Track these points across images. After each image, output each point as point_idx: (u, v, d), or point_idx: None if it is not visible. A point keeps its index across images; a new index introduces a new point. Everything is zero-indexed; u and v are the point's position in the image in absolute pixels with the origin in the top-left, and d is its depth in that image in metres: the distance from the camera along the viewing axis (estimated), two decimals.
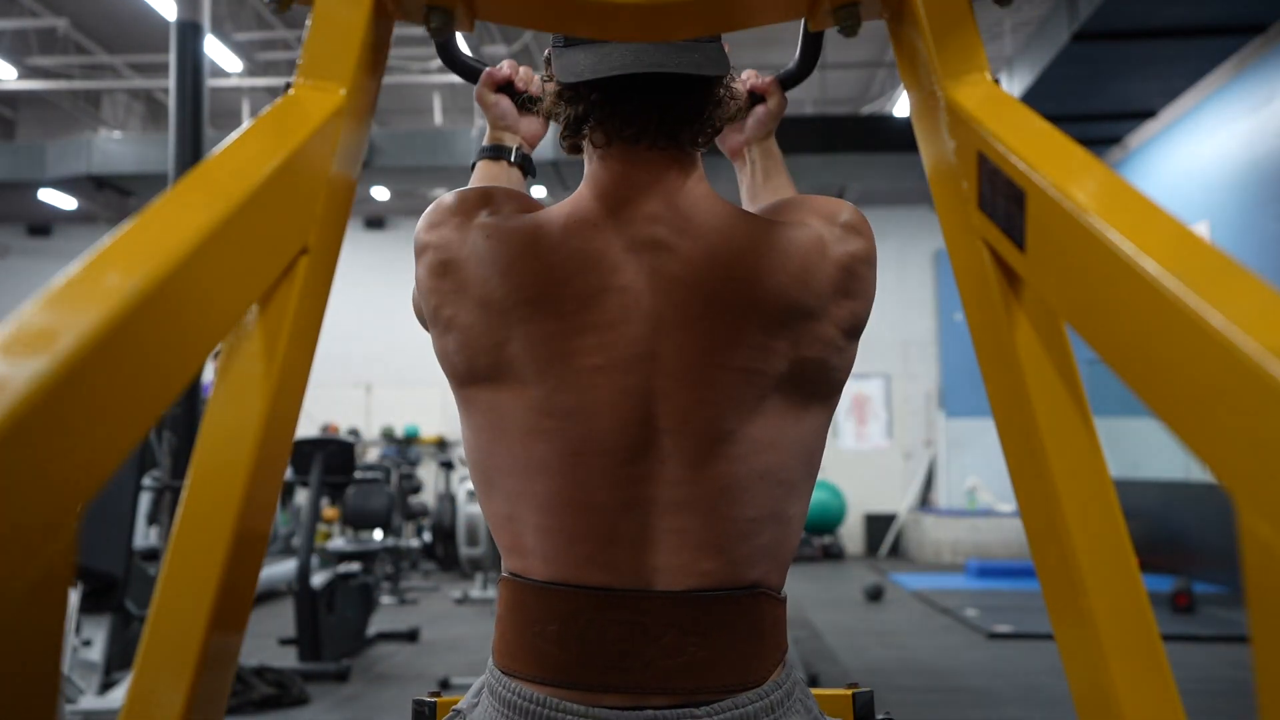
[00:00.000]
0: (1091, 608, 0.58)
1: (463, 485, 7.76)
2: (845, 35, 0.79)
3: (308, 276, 0.62)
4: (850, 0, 0.76)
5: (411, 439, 11.25)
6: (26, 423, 0.35)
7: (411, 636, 5.72)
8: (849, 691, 1.08)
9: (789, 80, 1.11)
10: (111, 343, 0.40)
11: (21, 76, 9.90)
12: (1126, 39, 6.46)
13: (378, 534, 7.26)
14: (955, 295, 3.29)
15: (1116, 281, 0.48)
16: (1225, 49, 6.70)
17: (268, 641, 5.21)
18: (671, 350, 0.85)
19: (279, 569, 7.16)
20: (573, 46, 0.88)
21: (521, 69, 1.13)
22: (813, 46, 1.06)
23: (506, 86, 1.12)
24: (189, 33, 5.34)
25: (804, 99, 10.07)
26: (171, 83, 5.35)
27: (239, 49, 9.49)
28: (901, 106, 8.84)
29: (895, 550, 10.73)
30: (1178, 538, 7.50)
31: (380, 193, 10.81)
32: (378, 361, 11.47)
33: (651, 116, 0.88)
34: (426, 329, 0.94)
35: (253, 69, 10.12)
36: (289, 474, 5.53)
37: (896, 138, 8.22)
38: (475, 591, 7.35)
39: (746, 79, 1.14)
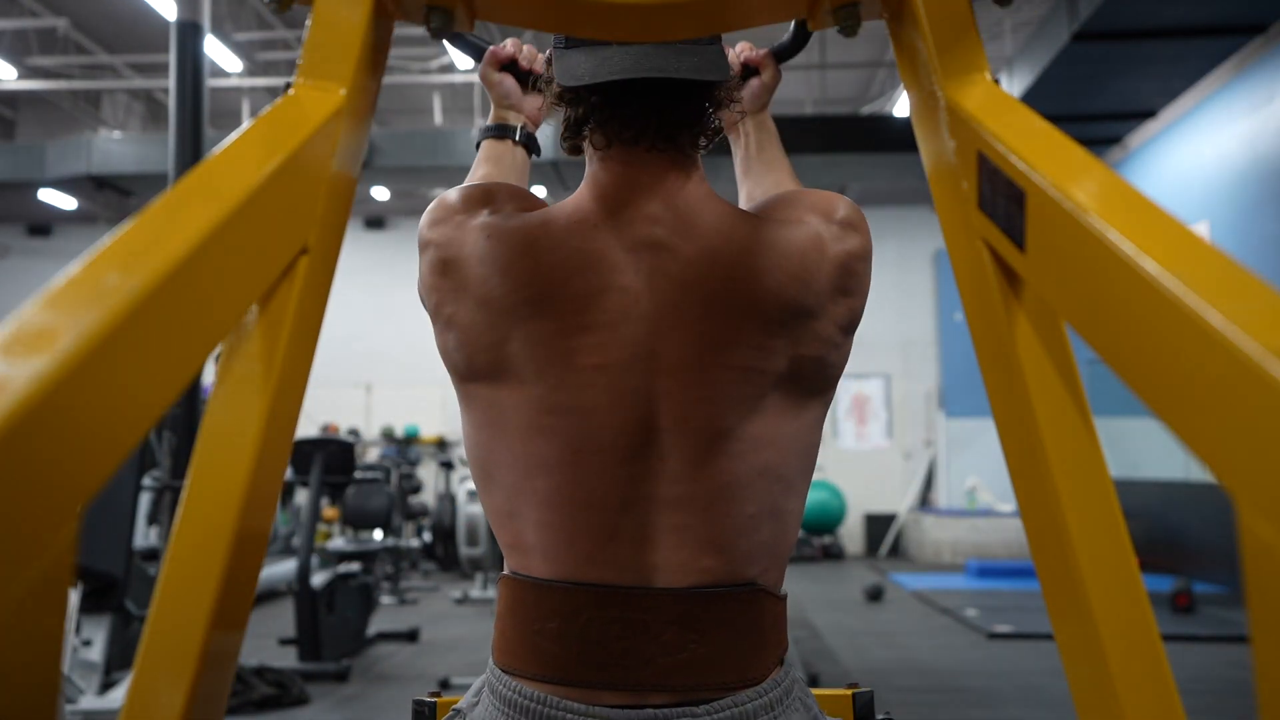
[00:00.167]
0: (1091, 608, 0.58)
1: (463, 485, 7.76)
2: (845, 35, 0.79)
3: (308, 276, 0.62)
4: (850, 0, 0.76)
5: (411, 439, 11.26)
6: (26, 423, 0.35)
7: (411, 636, 5.72)
8: (849, 691, 1.08)
9: (783, 53, 1.11)
10: (111, 343, 0.40)
11: (21, 76, 9.90)
12: (1126, 39, 6.46)
13: (378, 534, 7.26)
14: (955, 295, 3.29)
15: (1116, 281, 0.48)
16: (1225, 49, 6.70)
17: (268, 641, 5.21)
18: (671, 350, 0.85)
19: (279, 569, 7.16)
20: (574, 49, 0.89)
21: (525, 47, 1.13)
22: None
23: (510, 65, 1.12)
24: (189, 33, 5.34)
25: (804, 99, 10.07)
26: (171, 83, 5.35)
27: (239, 49, 9.49)
28: (901, 106, 8.84)
29: (895, 550, 10.73)
30: (1178, 538, 7.50)
31: (380, 193, 10.82)
32: (378, 361, 11.47)
33: (651, 119, 0.89)
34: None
35: (253, 69, 10.12)
36: (289, 474, 5.53)
37: (896, 138, 8.22)
38: (475, 591, 7.35)
39: (740, 51, 1.13)
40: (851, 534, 10.97)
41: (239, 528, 0.57)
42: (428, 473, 10.84)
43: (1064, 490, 0.60)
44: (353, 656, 5.17)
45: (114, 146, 9.71)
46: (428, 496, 10.32)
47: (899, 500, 10.94)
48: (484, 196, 0.91)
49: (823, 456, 11.00)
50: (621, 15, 0.74)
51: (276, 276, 0.59)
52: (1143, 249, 0.46)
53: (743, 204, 1.14)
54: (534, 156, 1.14)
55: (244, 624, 0.60)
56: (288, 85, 0.67)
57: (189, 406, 5.02)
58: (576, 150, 0.95)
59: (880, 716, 1.09)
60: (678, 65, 0.85)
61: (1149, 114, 7.98)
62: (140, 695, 0.54)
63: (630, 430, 0.85)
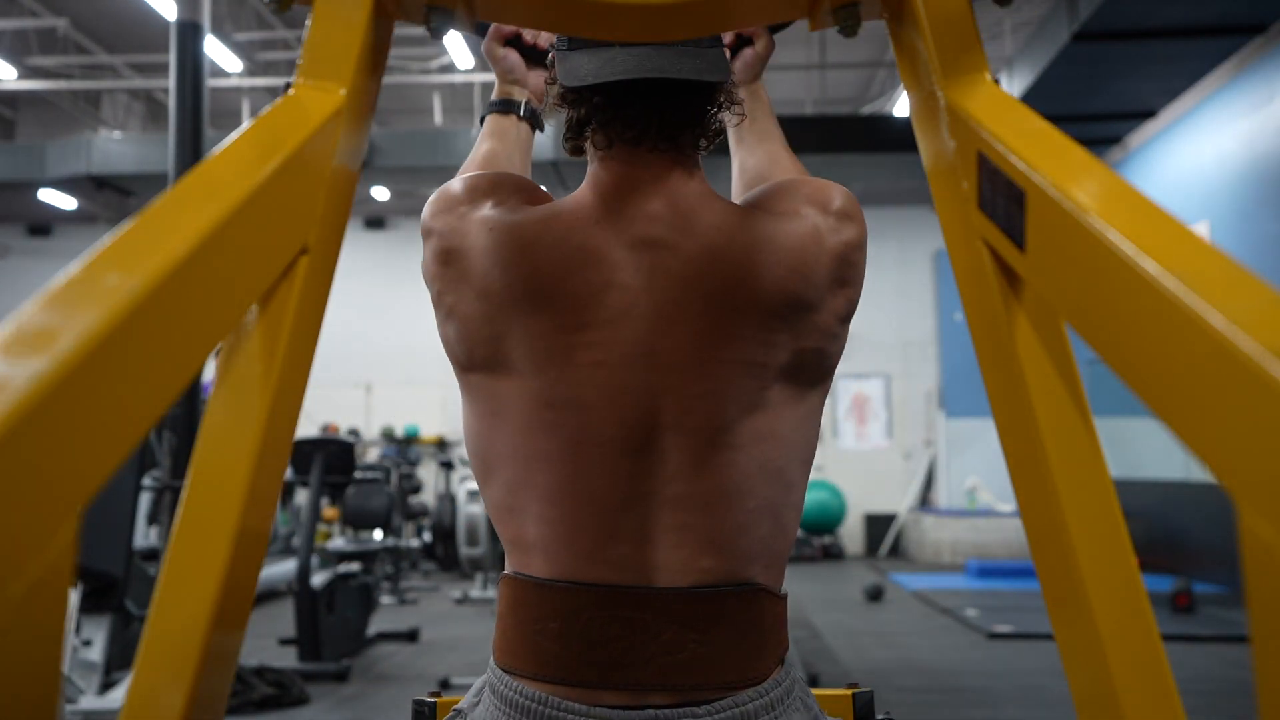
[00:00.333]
0: (1091, 608, 0.58)
1: (463, 485, 7.76)
2: (845, 35, 0.79)
3: (308, 276, 0.62)
4: (850, 0, 0.76)
5: (411, 439, 11.25)
6: (26, 423, 0.35)
7: (411, 636, 5.72)
8: (849, 691, 1.08)
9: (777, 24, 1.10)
10: (111, 343, 0.40)
11: (21, 76, 9.90)
12: (1126, 39, 6.46)
13: (378, 534, 7.25)
14: (955, 295, 3.29)
15: (1116, 281, 0.48)
16: (1225, 49, 6.70)
17: (268, 641, 5.21)
18: (672, 347, 0.85)
19: (279, 569, 7.16)
20: (576, 50, 0.89)
21: None
22: None
23: (515, 40, 1.12)
24: (189, 33, 5.34)
25: (804, 99, 10.07)
26: (171, 83, 5.35)
27: (239, 49, 9.49)
28: (901, 106, 8.84)
29: (895, 550, 10.73)
30: (1178, 538, 7.50)
31: (380, 193, 10.82)
32: (378, 361, 11.47)
33: (653, 120, 0.89)
34: None
35: (253, 69, 10.12)
36: (289, 474, 5.53)
37: (896, 138, 8.22)
38: (475, 591, 7.35)
39: None
40: (851, 534, 10.97)
41: (239, 527, 0.57)
42: (428, 473, 10.83)
43: (1064, 490, 0.60)
44: (353, 656, 5.17)
45: (114, 146, 9.71)
46: (428, 496, 10.32)
47: (899, 500, 10.94)
48: (488, 188, 0.91)
49: (823, 456, 11.05)
50: (622, 15, 0.74)
51: (276, 276, 0.59)
52: (1143, 249, 0.46)
53: (735, 174, 1.15)
54: (538, 131, 1.14)
55: (244, 624, 0.60)
56: (288, 85, 0.67)
57: (189, 406, 5.02)
58: (579, 151, 0.95)
59: (880, 716, 1.09)
60: (679, 67, 0.85)
61: (1149, 114, 7.98)
62: (140, 695, 0.54)
63: (630, 427, 0.85)
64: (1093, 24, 6.21)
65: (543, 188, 0.95)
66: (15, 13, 9.12)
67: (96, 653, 4.09)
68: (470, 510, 7.45)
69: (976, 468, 10.36)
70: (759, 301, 0.86)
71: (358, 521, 7.12)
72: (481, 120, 1.15)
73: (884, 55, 9.52)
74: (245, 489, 0.57)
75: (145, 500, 6.20)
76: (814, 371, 0.90)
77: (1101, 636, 0.57)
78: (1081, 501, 0.60)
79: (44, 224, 11.95)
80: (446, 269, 0.89)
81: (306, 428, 9.61)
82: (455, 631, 6.05)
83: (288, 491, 9.13)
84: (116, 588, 4.11)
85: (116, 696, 3.93)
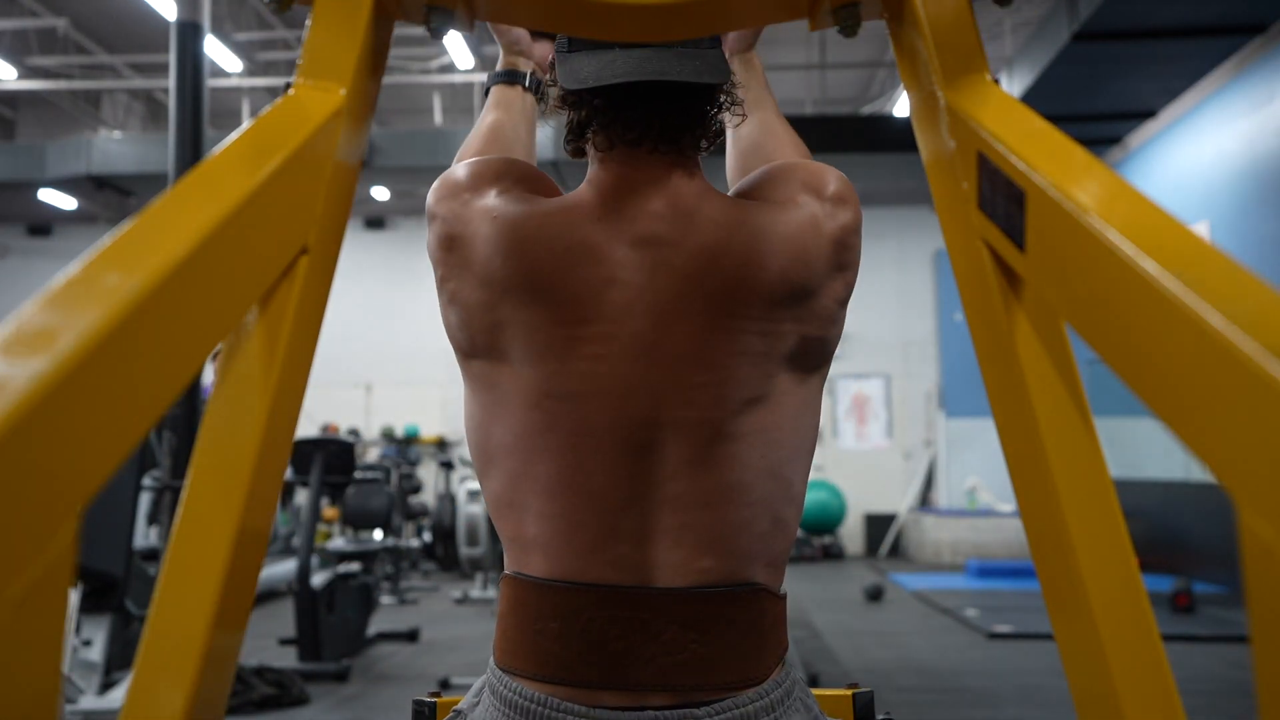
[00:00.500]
0: (1091, 608, 0.58)
1: (463, 485, 7.76)
2: (845, 35, 0.79)
3: (308, 276, 0.62)
4: (850, 0, 0.76)
5: (411, 439, 11.25)
6: (26, 423, 0.35)
7: (411, 636, 5.72)
8: (849, 692, 1.08)
9: None
10: (111, 343, 0.40)
11: (21, 76, 9.90)
12: (1126, 39, 6.46)
13: (378, 534, 7.25)
14: (955, 295, 3.29)
15: (1116, 281, 0.48)
16: (1225, 49, 6.70)
17: (268, 641, 5.21)
18: (673, 342, 0.86)
19: (279, 569, 7.16)
20: (577, 52, 0.89)
21: None
22: None
23: None
24: (189, 33, 5.34)
25: (804, 99, 10.07)
26: (171, 83, 5.35)
27: (239, 49, 9.49)
28: (901, 106, 8.84)
29: (895, 550, 10.72)
30: (1178, 538, 7.50)
31: (380, 193, 10.81)
32: (378, 361, 11.47)
33: (654, 122, 0.90)
34: None
35: (253, 69, 10.12)
36: (289, 474, 5.53)
37: (896, 138, 8.22)
38: (475, 591, 7.34)
39: None
40: (851, 534, 10.97)
41: (239, 527, 0.57)
42: (428, 473, 10.83)
43: (1064, 490, 0.60)
44: (353, 656, 5.17)
45: (114, 146, 9.71)
46: (428, 496, 10.32)
47: (899, 500, 10.94)
48: (494, 175, 0.92)
49: (822, 456, 11.04)
50: (621, 16, 0.74)
51: (276, 276, 0.59)
52: (1143, 249, 0.46)
53: (729, 141, 1.14)
54: (542, 104, 1.14)
55: (244, 624, 0.60)
56: (288, 85, 0.67)
57: (189, 406, 5.02)
58: (579, 153, 0.95)
59: (880, 717, 1.09)
60: (680, 69, 0.86)
61: (1149, 114, 7.98)
62: (140, 695, 0.54)
63: (630, 422, 0.85)
64: (1093, 24, 6.21)
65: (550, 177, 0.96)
66: (15, 13, 9.12)
67: (96, 653, 4.09)
68: (470, 510, 7.45)
69: (976, 468, 10.36)
70: (762, 293, 0.86)
71: (358, 521, 7.12)
72: (486, 92, 1.14)
73: (884, 55, 9.52)
74: (245, 489, 0.57)
75: (145, 500, 6.20)
76: (815, 357, 0.91)
77: (1101, 636, 0.57)
78: (1081, 501, 0.60)
79: (44, 224, 11.95)
80: (449, 254, 0.90)
81: (306, 428, 9.61)
82: (455, 631, 6.05)
83: (288, 491, 9.13)
84: (116, 588, 4.11)
85: (116, 696, 3.93)
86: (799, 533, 9.80)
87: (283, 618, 5.76)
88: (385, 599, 7.10)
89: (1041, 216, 0.55)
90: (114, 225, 5.46)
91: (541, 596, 0.86)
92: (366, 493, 7.12)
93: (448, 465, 9.40)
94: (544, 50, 1.13)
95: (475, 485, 7.30)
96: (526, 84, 1.13)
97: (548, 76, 0.97)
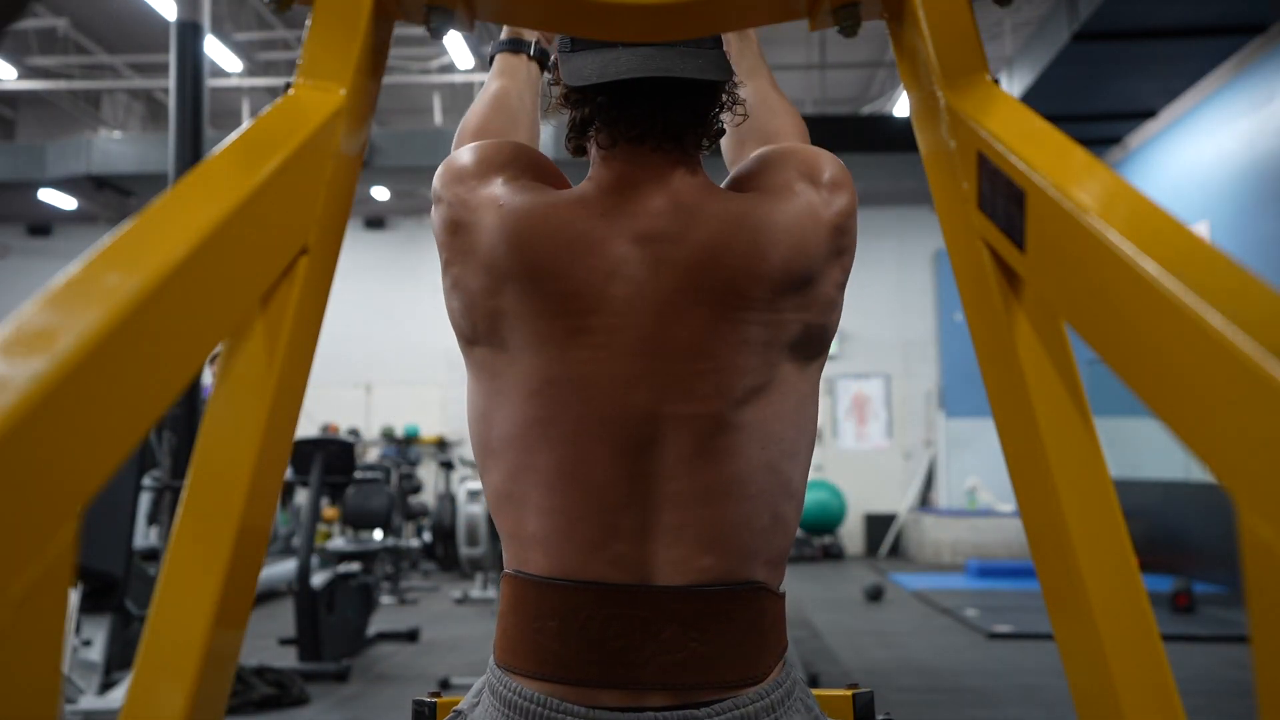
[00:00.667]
0: (1091, 608, 0.58)
1: (463, 485, 7.75)
2: (845, 35, 0.79)
3: (308, 276, 0.62)
4: (850, 0, 0.76)
5: (411, 439, 11.25)
6: (26, 423, 0.35)
7: (411, 636, 5.72)
8: (849, 692, 1.08)
9: None
10: (111, 343, 0.40)
11: (21, 76, 9.90)
12: (1126, 39, 6.46)
13: (378, 534, 7.25)
14: (955, 295, 3.29)
15: (1116, 281, 0.48)
16: (1225, 49, 6.70)
17: (268, 641, 5.21)
18: (675, 336, 0.86)
19: (279, 569, 7.16)
20: (579, 51, 0.89)
21: None
22: None
23: None
24: (189, 33, 5.34)
25: (804, 99, 10.07)
26: (171, 83, 5.35)
27: (239, 49, 9.49)
28: (901, 106, 8.84)
29: (895, 550, 10.72)
30: (1178, 538, 7.50)
31: (380, 193, 10.81)
32: (378, 361, 11.47)
33: (656, 119, 0.90)
34: None
35: (253, 69, 10.12)
36: (289, 474, 5.53)
37: (896, 138, 8.21)
38: (475, 591, 7.34)
39: None
40: (851, 534, 10.96)
41: (239, 527, 0.57)
42: (428, 473, 10.83)
43: (1064, 490, 0.60)
44: (353, 656, 5.17)
45: (114, 146, 9.70)
46: (428, 496, 10.31)
47: (899, 500, 10.94)
48: (501, 162, 0.92)
49: (822, 456, 11.04)
50: (622, 15, 0.74)
51: (276, 276, 0.59)
52: (1143, 249, 0.46)
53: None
54: (546, 73, 1.15)
55: (244, 624, 0.60)
56: (288, 85, 0.67)
57: (189, 406, 5.02)
58: (581, 151, 0.96)
59: (880, 717, 1.09)
60: (683, 66, 0.86)
61: (1149, 114, 7.98)
62: (140, 695, 0.54)
63: (631, 417, 0.85)
64: (1093, 24, 6.21)
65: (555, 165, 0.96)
66: None
67: (96, 653, 4.09)
68: (470, 510, 7.45)
69: (976, 468, 10.36)
70: (764, 285, 0.87)
71: (358, 521, 7.12)
72: (490, 60, 1.15)
73: (884, 55, 9.52)
74: (245, 489, 0.57)
75: (145, 500, 6.20)
76: (815, 344, 0.92)
77: (1101, 636, 0.57)
78: (1081, 501, 0.60)
79: (44, 224, 11.95)
80: (454, 239, 0.90)
81: (306, 428, 9.61)
82: (455, 631, 6.05)
83: (288, 491, 9.13)
84: (116, 588, 4.11)
85: (116, 696, 3.93)
86: (799, 533, 9.80)
87: (283, 618, 5.76)
88: (385, 599, 7.10)
89: (1041, 216, 0.55)
90: (114, 225, 5.46)
91: (541, 594, 0.86)
92: (366, 493, 7.12)
93: (448, 465, 9.40)
94: None
95: (475, 485, 7.30)
96: (531, 52, 1.13)
97: (548, 77, 0.97)
